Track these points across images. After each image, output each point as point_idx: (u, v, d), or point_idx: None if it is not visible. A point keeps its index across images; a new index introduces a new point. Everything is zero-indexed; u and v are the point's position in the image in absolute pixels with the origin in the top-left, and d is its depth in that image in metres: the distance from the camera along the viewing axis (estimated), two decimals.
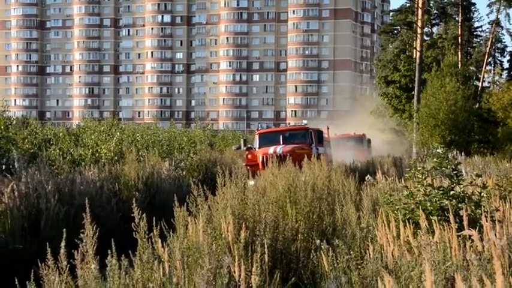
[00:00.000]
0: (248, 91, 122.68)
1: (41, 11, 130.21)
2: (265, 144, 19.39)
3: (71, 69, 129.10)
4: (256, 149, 19.77)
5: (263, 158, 17.77)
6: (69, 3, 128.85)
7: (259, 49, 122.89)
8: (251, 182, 13.98)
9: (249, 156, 19.42)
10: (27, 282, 4.05)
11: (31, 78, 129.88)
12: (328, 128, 24.39)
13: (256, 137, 20.75)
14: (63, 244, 4.16)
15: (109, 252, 4.16)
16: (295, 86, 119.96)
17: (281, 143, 19.50)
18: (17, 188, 9.10)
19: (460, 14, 47.76)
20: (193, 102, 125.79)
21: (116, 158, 16.20)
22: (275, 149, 18.31)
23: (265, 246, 4.63)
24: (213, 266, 4.13)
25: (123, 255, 4.28)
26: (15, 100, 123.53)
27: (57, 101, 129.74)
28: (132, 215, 4.82)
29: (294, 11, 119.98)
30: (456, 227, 4.75)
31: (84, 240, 4.23)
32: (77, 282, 4.15)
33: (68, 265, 4.14)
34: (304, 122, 22.39)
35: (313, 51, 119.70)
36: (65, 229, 4.50)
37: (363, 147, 31.98)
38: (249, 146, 20.38)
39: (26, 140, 15.60)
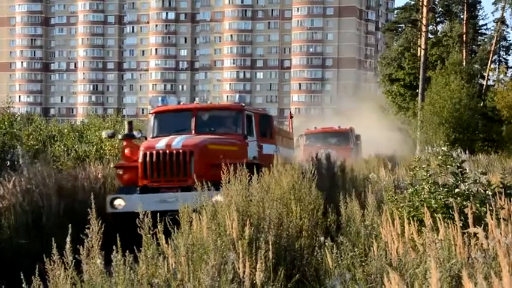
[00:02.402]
0: (252, 89, 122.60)
1: (46, 7, 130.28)
2: (167, 132, 11.45)
3: (75, 66, 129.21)
4: (149, 139, 11.65)
5: (145, 157, 10.20)
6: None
7: (263, 47, 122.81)
8: (118, 202, 9.53)
9: (127, 151, 11.11)
10: (32, 277, 4.06)
11: (35, 74, 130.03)
12: (291, 117, 17.46)
13: (151, 119, 12.33)
14: (68, 239, 4.17)
15: (114, 247, 4.18)
16: (299, 84, 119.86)
17: (192, 131, 11.45)
18: (19, 184, 9.15)
19: (465, 12, 47.64)
20: (197, 100, 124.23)
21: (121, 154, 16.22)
22: (169, 142, 10.38)
23: (270, 243, 4.63)
24: (217, 262, 4.14)
25: (127, 251, 4.29)
26: (19, 96, 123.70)
27: (62, 97, 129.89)
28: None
29: (298, 9, 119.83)
30: (461, 224, 4.75)
31: (90, 236, 4.24)
32: (82, 277, 4.16)
33: (73, 260, 4.16)
34: (238, 96, 13.25)
35: (317, 49, 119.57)
36: (70, 224, 4.51)
37: (348, 144, 27.07)
38: (128, 133, 11.60)
39: (31, 137, 15.64)
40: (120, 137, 11.89)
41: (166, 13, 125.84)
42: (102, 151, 16.55)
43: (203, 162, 9.86)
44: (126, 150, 11.16)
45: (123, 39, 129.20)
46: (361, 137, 30.26)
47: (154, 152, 10.21)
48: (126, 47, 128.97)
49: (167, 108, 12.40)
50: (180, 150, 10.11)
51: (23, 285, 4.06)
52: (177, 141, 10.41)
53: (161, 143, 10.44)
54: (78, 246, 4.24)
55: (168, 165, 9.96)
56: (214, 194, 8.28)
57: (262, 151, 12.05)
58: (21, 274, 4.12)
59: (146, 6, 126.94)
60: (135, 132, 11.85)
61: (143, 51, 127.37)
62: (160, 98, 13.07)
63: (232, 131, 11.80)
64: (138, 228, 4.73)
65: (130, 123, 12.33)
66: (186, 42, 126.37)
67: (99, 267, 4.11)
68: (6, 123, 14.19)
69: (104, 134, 13.15)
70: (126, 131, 11.84)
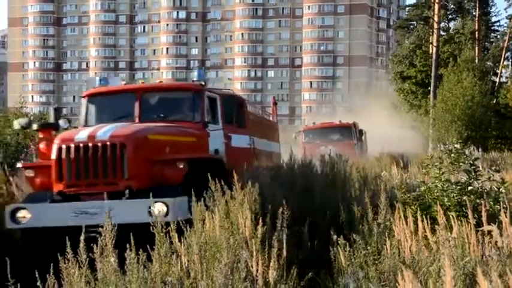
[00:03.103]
0: (263, 87, 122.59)
1: (58, 7, 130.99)
2: (104, 122, 8.83)
3: (87, 66, 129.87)
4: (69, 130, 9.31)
5: (59, 152, 7.67)
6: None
7: (274, 45, 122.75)
8: (22, 214, 7.16)
9: (43, 146, 8.93)
10: (47, 275, 4.09)
11: (48, 74, 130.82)
12: (274, 104, 15.19)
13: (83, 104, 9.86)
14: (82, 237, 4.20)
15: (127, 246, 4.20)
16: (310, 82, 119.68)
17: (136, 118, 9.02)
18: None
19: (477, 9, 47.36)
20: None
21: None
22: (93, 132, 7.79)
23: (284, 241, 4.63)
24: (230, 261, 4.15)
25: (140, 249, 4.31)
26: (32, 96, 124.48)
27: (74, 97, 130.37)
28: None
29: (309, 7, 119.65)
30: (474, 222, 4.72)
31: (103, 234, 4.27)
32: (96, 275, 4.19)
33: (87, 259, 4.19)
34: (197, 71, 10.15)
35: (329, 47, 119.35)
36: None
37: (351, 140, 25.38)
38: (47, 122, 9.94)
39: None
40: (35, 127, 9.32)
41: (177, 12, 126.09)
42: None
43: (141, 159, 7.45)
44: (42, 145, 8.64)
45: (134, 38, 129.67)
46: (373, 135, 29.81)
47: (72, 145, 7.53)
48: (138, 47, 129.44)
49: (103, 90, 9.81)
50: (108, 143, 7.45)
51: (38, 284, 4.10)
52: (105, 130, 7.74)
53: (82, 134, 7.77)
54: (91, 244, 4.27)
55: (91, 163, 7.43)
56: (152, 203, 6.48)
57: (231, 143, 9.69)
58: (36, 273, 4.16)
59: (157, 6, 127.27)
60: (60, 122, 9.44)
61: (154, 50, 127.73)
62: (98, 78, 10.43)
63: (188, 118, 9.16)
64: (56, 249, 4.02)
65: (56, 110, 10.07)
66: (197, 41, 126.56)
67: (113, 266, 4.14)
68: None
69: (16, 123, 10.13)
70: (52, 118, 9.45)
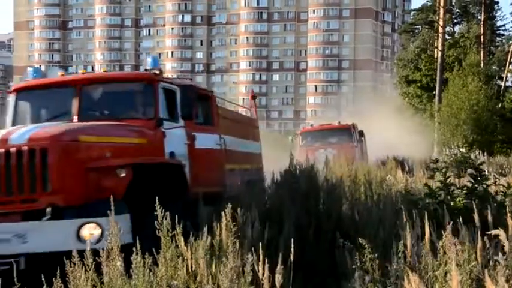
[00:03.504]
0: (268, 91, 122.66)
1: (63, 11, 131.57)
2: (35, 121, 7.46)
3: (92, 69, 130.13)
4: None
5: None
6: (91, 3, 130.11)
7: (279, 49, 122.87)
8: None
9: None
10: (53, 279, 4.10)
11: None
12: (253, 98, 13.23)
13: (11, 101, 8.04)
14: (88, 242, 4.20)
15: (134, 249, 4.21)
16: (315, 86, 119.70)
17: (74, 116, 7.28)
18: None
19: (482, 13, 47.29)
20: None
21: None
22: (7, 135, 6.04)
23: (292, 245, 4.62)
24: (236, 265, 4.15)
25: (147, 253, 4.32)
26: None
27: None
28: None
29: (314, 11, 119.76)
30: (480, 227, 4.72)
31: (109, 238, 4.27)
32: (102, 279, 4.19)
33: (93, 262, 4.20)
34: (151, 58, 8.02)
35: (333, 51, 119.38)
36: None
37: (351, 142, 24.18)
38: None
39: None
40: None
41: (183, 16, 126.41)
42: None
43: (69, 167, 5.85)
44: None
45: (139, 42, 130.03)
46: (378, 139, 29.56)
47: None
48: (143, 50, 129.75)
49: (35, 83, 7.91)
50: (24, 148, 5.79)
51: None
52: (22, 132, 6.07)
53: None
54: (98, 248, 4.28)
55: (2, 174, 5.80)
56: (81, 224, 5.34)
57: (195, 144, 7.89)
58: (42, 276, 4.16)
59: (162, 9, 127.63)
60: None
61: (160, 54, 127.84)
62: (32, 69, 8.38)
63: (139, 115, 7.40)
64: None
65: None
66: (202, 44, 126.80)
67: (119, 269, 4.14)
68: None
69: None
70: None
